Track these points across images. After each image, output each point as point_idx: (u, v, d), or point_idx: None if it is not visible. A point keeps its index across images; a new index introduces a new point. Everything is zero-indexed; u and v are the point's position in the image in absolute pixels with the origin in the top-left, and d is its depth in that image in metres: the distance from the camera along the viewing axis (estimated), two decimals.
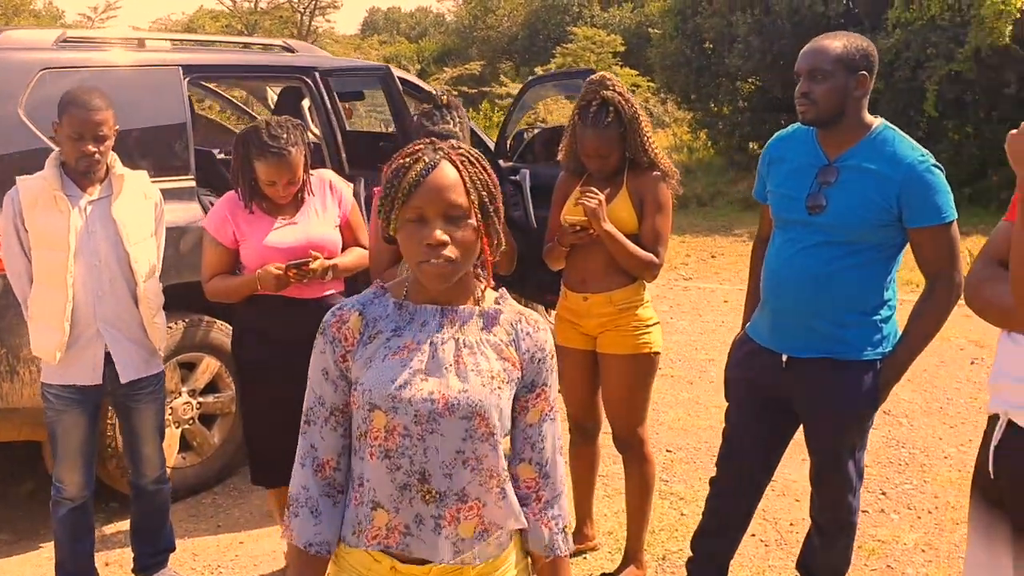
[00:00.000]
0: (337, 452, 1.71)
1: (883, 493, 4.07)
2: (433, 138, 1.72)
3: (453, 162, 1.63)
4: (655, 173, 3.13)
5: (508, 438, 1.71)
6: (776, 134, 2.83)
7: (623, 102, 3.07)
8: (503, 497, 1.67)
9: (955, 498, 3.98)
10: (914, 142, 2.56)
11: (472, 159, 1.65)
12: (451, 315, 1.67)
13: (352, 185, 3.51)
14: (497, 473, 1.66)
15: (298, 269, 3.00)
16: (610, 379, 3.21)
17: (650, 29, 18.45)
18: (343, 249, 3.25)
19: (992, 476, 2.09)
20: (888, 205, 2.50)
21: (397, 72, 4.90)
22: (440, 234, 1.57)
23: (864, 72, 2.52)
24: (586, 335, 3.23)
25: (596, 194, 3.04)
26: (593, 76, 3.18)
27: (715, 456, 4.43)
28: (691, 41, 15.34)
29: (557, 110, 15.25)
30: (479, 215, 1.62)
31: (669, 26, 15.76)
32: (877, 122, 2.59)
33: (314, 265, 3.01)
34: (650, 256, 3.08)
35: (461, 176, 1.62)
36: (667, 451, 4.54)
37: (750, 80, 15.10)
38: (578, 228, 3.07)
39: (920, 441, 4.62)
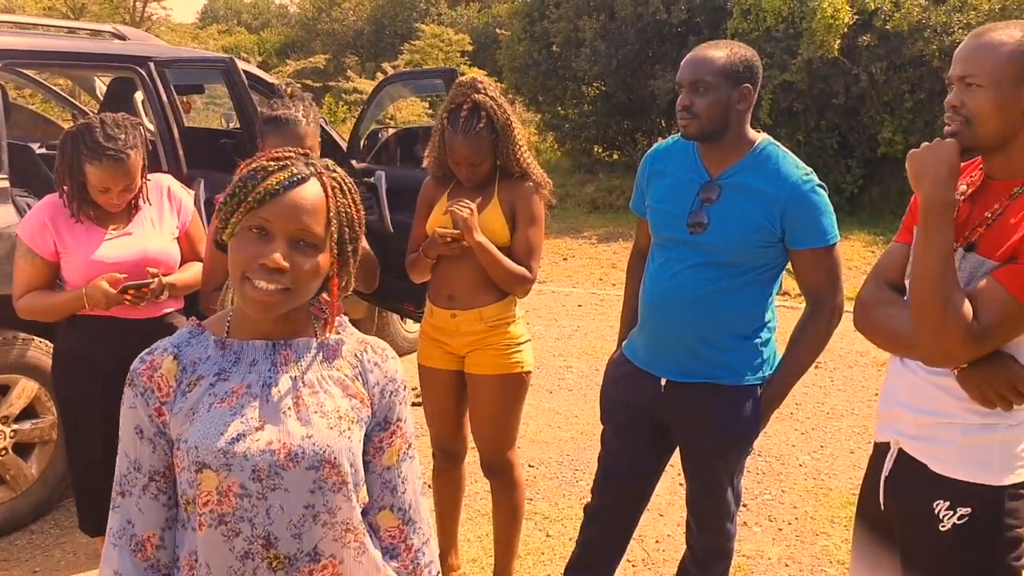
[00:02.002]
0: (160, 526, 1.44)
1: (744, 505, 4.07)
2: (278, 132, 1.49)
3: (323, 184, 1.41)
4: (528, 183, 2.96)
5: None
6: (655, 145, 2.71)
7: (495, 107, 2.88)
8: (363, 552, 1.47)
9: (812, 508, 4.03)
10: (797, 159, 2.49)
11: (345, 188, 1.44)
12: (284, 351, 1.45)
13: (192, 191, 3.16)
14: (353, 526, 1.45)
15: (136, 290, 2.65)
16: (479, 401, 3.02)
17: (498, 30, 18.41)
18: (182, 263, 2.91)
19: (882, 507, 2.04)
20: (771, 225, 2.41)
21: (241, 64, 4.54)
22: (279, 258, 1.35)
23: (748, 84, 2.42)
24: (453, 354, 3.02)
25: (467, 203, 2.84)
26: (463, 78, 2.97)
27: (579, 469, 4.38)
28: (539, 44, 15.38)
29: (406, 108, 14.96)
30: (334, 251, 1.41)
31: (517, 28, 15.75)
32: (760, 137, 2.50)
33: (153, 285, 2.68)
34: (523, 270, 2.91)
35: (327, 202, 1.40)
36: (529, 466, 4.39)
37: (596, 84, 15.29)
38: (448, 239, 2.86)
39: (775, 449, 4.68)
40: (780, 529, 3.86)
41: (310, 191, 1.39)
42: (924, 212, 1.81)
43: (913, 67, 11.96)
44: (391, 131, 5.52)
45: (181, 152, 4.32)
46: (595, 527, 2.78)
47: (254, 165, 1.42)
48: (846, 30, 11.74)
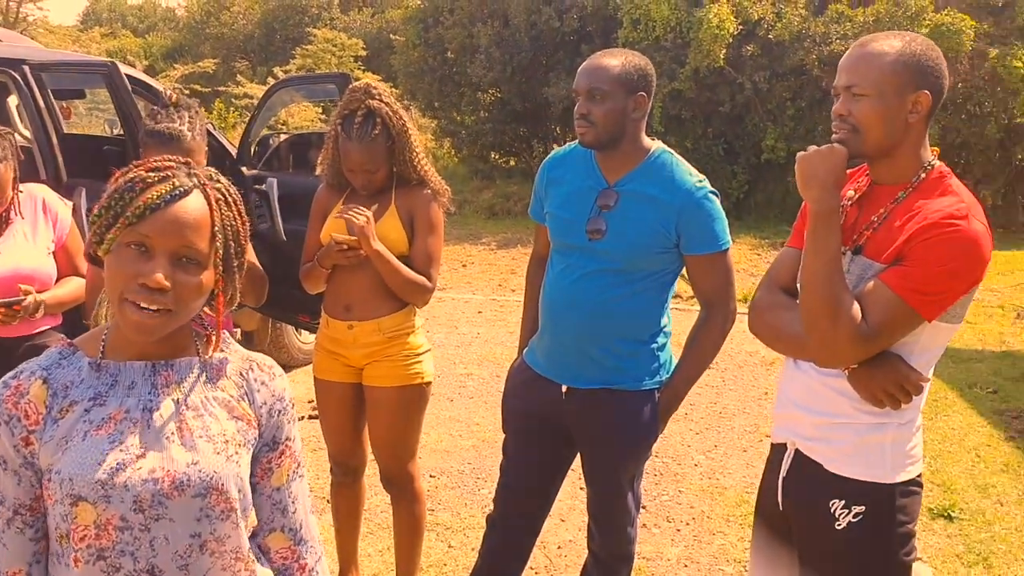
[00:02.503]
0: (27, 561, 1.34)
1: (643, 507, 4.12)
2: (163, 147, 1.42)
3: (207, 197, 1.34)
4: (426, 191, 2.92)
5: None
6: (553, 152, 2.73)
7: (391, 113, 2.83)
8: None
9: (708, 507, 4.12)
10: (691, 167, 2.54)
11: (230, 199, 1.37)
12: (165, 372, 1.38)
13: (72, 201, 3.01)
14: (243, 555, 1.39)
15: (7, 308, 2.51)
16: (378, 414, 2.96)
17: (392, 36, 18.27)
18: (59, 278, 2.77)
19: (780, 507, 2.08)
20: (666, 231, 2.45)
21: (125, 69, 4.36)
22: (162, 277, 1.28)
23: (642, 93, 2.46)
24: (350, 367, 2.96)
25: (362, 211, 2.79)
26: (357, 84, 2.91)
27: (480, 478, 4.36)
28: (434, 50, 15.34)
29: (298, 113, 14.69)
30: (220, 267, 1.35)
31: (411, 34, 15.67)
32: (655, 145, 2.54)
33: (26, 302, 2.53)
34: (422, 279, 2.87)
35: (211, 216, 1.33)
36: (430, 476, 4.35)
37: (491, 91, 15.34)
38: (345, 247, 2.80)
39: (671, 450, 4.76)
40: (678, 530, 3.92)
41: (193, 205, 1.32)
42: (812, 216, 1.86)
43: (794, 76, 12.42)
44: (282, 137, 5.40)
45: (60, 160, 4.12)
46: (498, 536, 2.77)
47: (131, 175, 1.33)
48: (731, 40, 12.11)
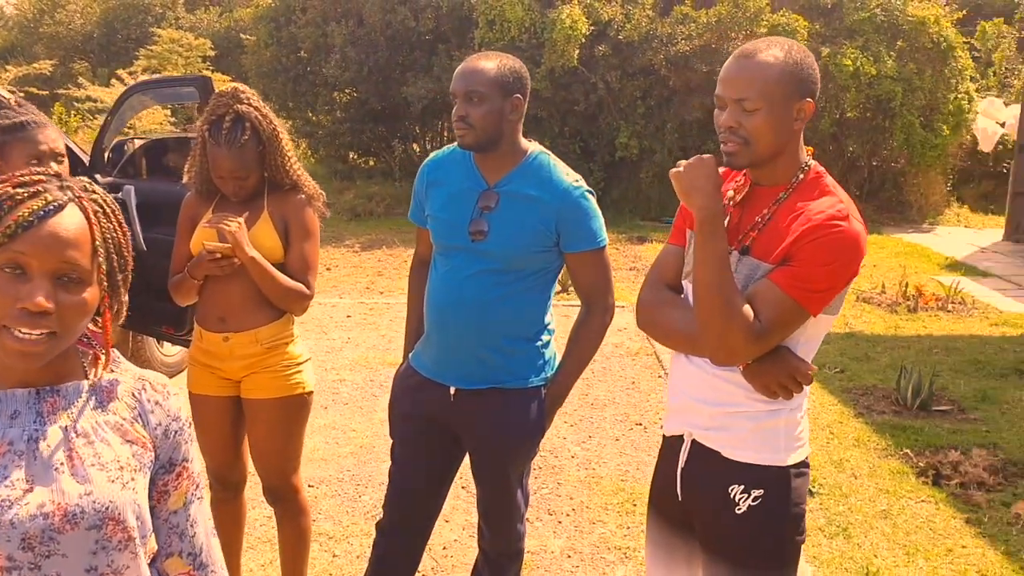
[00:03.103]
0: None
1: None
2: (57, 173, 1.33)
3: (84, 210, 1.27)
4: (299, 196, 2.88)
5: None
6: (432, 155, 2.74)
7: (260, 118, 2.77)
8: None
9: (587, 497, 4.22)
10: (567, 167, 2.60)
11: (108, 210, 1.31)
12: (51, 398, 1.30)
13: None
14: None
15: None
16: (259, 427, 2.89)
17: (242, 35, 17.75)
18: None
19: (680, 498, 2.13)
20: (547, 230, 2.51)
21: None
22: (43, 299, 1.21)
23: (518, 95, 2.50)
24: (227, 380, 2.88)
25: (234, 218, 2.71)
26: (224, 88, 2.83)
27: (361, 485, 4.32)
28: (286, 49, 15.02)
29: (147, 116, 14.07)
30: (103, 283, 1.29)
31: (263, 33, 15.28)
32: (533, 147, 2.59)
33: None
34: (300, 286, 2.83)
35: (91, 230, 1.27)
36: (309, 486, 4.27)
37: (348, 90, 15.16)
38: (218, 256, 2.71)
39: (548, 443, 4.84)
40: (560, 522, 4.00)
41: (70, 219, 1.25)
42: (699, 223, 1.92)
43: (643, 75, 12.84)
44: (137, 143, 5.17)
45: None
46: (388, 541, 2.75)
47: None
48: (584, 40, 12.39)
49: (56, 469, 1.26)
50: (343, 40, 13.89)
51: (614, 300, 2.65)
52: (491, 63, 2.47)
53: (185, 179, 2.92)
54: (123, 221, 1.35)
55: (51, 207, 1.23)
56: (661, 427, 2.29)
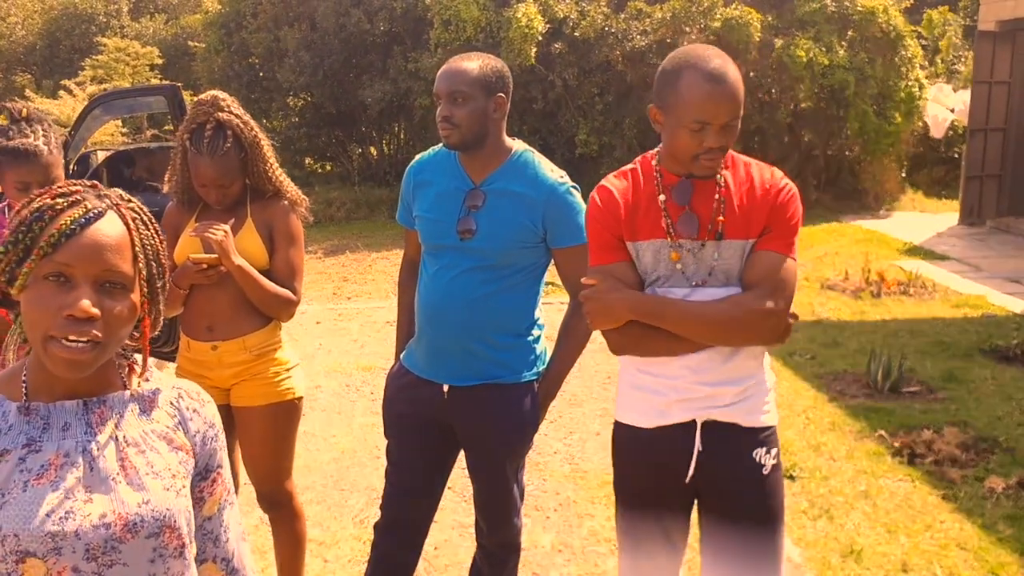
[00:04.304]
0: None
1: None
2: (21, 164, 1.33)
3: (123, 216, 1.27)
4: (283, 202, 2.87)
5: None
6: (417, 157, 2.74)
7: (241, 125, 2.76)
8: None
9: (573, 492, 4.25)
10: (552, 164, 2.63)
11: (145, 218, 1.31)
12: (99, 409, 1.31)
13: None
14: None
15: None
16: (251, 434, 2.87)
17: (190, 42, 17.55)
18: None
19: (687, 481, 2.16)
20: (534, 226, 2.53)
21: None
22: (88, 304, 1.21)
23: (501, 93, 2.53)
24: (217, 388, 2.85)
25: (220, 226, 2.69)
26: (203, 96, 2.81)
27: (345, 490, 4.30)
28: (238, 55, 14.88)
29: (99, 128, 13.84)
30: (144, 289, 1.29)
31: (213, 39, 15.13)
32: (517, 145, 2.61)
33: None
34: (287, 292, 2.81)
35: (131, 236, 1.27)
36: None
37: (302, 95, 15.06)
38: (204, 266, 2.69)
39: None
40: (548, 517, 4.03)
41: (110, 226, 1.25)
42: (641, 315, 2.08)
43: (600, 72, 12.92)
44: (101, 155, 5.10)
45: None
46: (388, 541, 2.75)
47: (36, 204, 1.25)
48: (540, 38, 12.43)
49: (112, 479, 1.27)
50: (296, 44, 13.79)
51: None
52: (474, 63, 2.49)
53: (165, 189, 2.89)
54: (159, 231, 1.35)
55: (91, 214, 1.24)
56: (626, 423, 2.25)
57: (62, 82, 16.93)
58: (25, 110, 2.63)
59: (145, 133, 14.78)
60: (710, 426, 2.14)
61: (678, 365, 2.14)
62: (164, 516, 1.28)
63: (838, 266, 9.09)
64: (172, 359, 3.19)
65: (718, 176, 2.10)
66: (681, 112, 2.01)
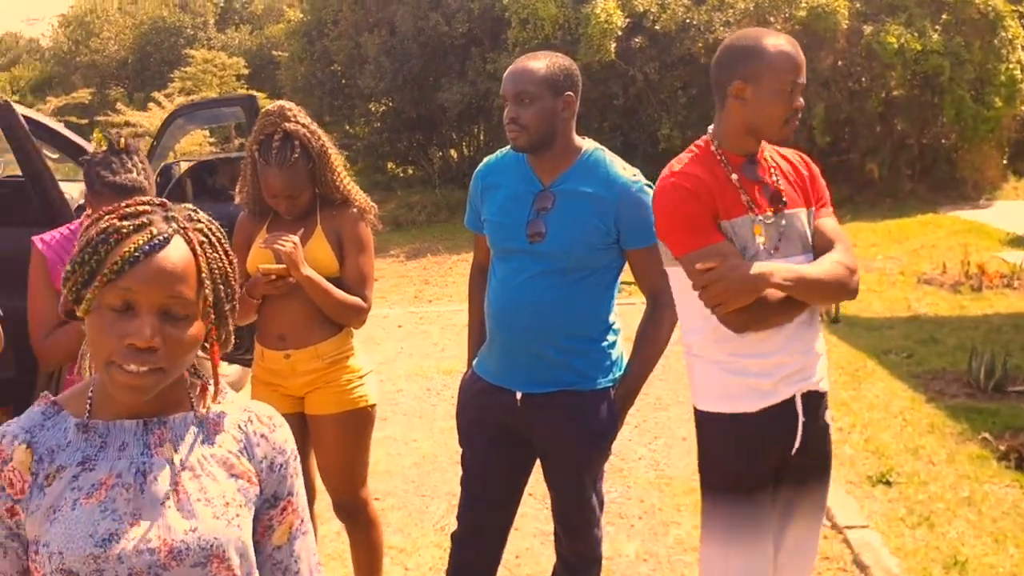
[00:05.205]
0: None
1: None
2: (124, 198, 1.30)
3: (189, 242, 1.23)
4: (352, 210, 2.84)
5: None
6: (485, 160, 2.68)
7: (309, 135, 2.74)
8: None
9: (659, 500, 4.13)
10: (624, 162, 2.53)
11: (214, 239, 1.27)
12: (159, 430, 1.27)
13: None
14: None
15: None
16: (325, 442, 2.86)
17: (274, 52, 17.94)
18: None
19: (793, 453, 2.26)
20: (606, 227, 2.45)
21: (23, 110, 4.09)
22: (150, 335, 1.17)
23: (570, 92, 2.45)
24: (291, 397, 2.84)
25: (288, 237, 2.68)
26: (270, 107, 2.80)
27: (427, 495, 4.27)
28: (320, 63, 15.13)
29: (185, 138, 14.24)
30: (211, 316, 1.25)
31: (296, 48, 15.43)
32: (588, 144, 2.53)
33: None
34: (357, 300, 2.79)
35: (197, 262, 1.23)
36: (375, 499, 4.22)
37: (383, 100, 15.21)
38: (273, 277, 2.68)
39: (613, 446, 4.74)
40: (632, 525, 3.92)
41: (176, 253, 1.21)
42: (777, 285, 2.10)
43: (683, 65, 12.70)
44: (183, 165, 5.20)
45: None
46: (466, 552, 2.70)
47: (103, 225, 1.22)
48: (620, 33, 12.28)
49: (163, 503, 1.24)
50: (376, 50, 13.93)
51: None
52: (540, 63, 2.42)
53: (237, 199, 2.90)
54: (229, 250, 1.31)
55: (156, 241, 1.20)
56: (728, 412, 2.25)
57: (152, 94, 17.48)
58: (123, 140, 2.65)
59: (233, 143, 15.14)
60: (805, 397, 2.25)
61: (776, 341, 2.18)
62: (211, 545, 1.24)
63: (935, 259, 8.71)
64: (246, 363, 3.21)
65: (765, 155, 2.26)
66: (773, 76, 2.12)
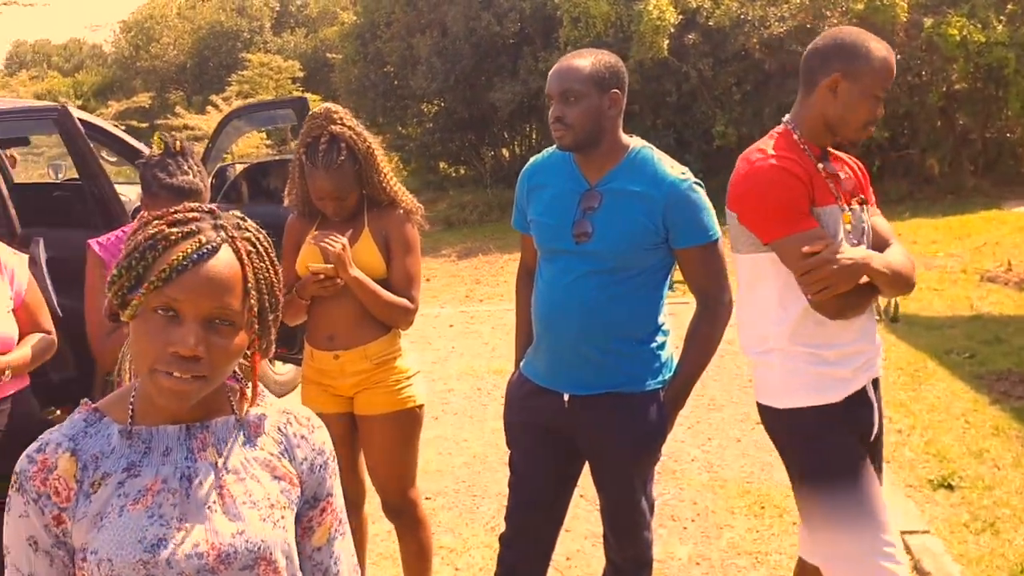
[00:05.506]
0: None
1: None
2: (180, 200, 1.32)
3: (237, 251, 1.23)
4: (399, 211, 2.84)
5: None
6: (531, 160, 2.66)
7: (355, 136, 2.74)
8: None
9: (712, 502, 4.06)
10: (672, 160, 2.48)
11: (260, 249, 1.27)
12: (201, 434, 1.28)
13: (24, 253, 2.85)
14: None
15: None
16: (373, 443, 2.86)
17: (328, 54, 18.12)
18: (21, 336, 2.62)
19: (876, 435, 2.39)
20: (655, 226, 2.40)
21: (78, 113, 4.19)
22: (194, 344, 1.17)
23: (616, 90, 2.40)
24: (340, 397, 2.86)
25: (337, 237, 2.69)
26: (316, 109, 2.81)
27: (477, 495, 4.27)
28: (373, 65, 15.25)
29: (243, 140, 14.46)
30: (256, 324, 1.25)
31: (350, 50, 15.56)
32: (635, 142, 2.48)
33: None
34: (404, 301, 2.79)
35: (244, 272, 1.23)
36: (426, 499, 4.23)
37: (436, 101, 15.27)
38: (322, 277, 2.70)
39: (666, 447, 4.65)
40: (684, 528, 3.86)
41: (223, 262, 1.21)
42: (888, 266, 2.20)
43: (737, 61, 12.52)
44: (239, 167, 5.27)
45: (13, 212, 3.95)
46: (513, 553, 2.68)
47: (152, 231, 1.22)
48: (672, 30, 12.15)
49: (209, 507, 1.24)
50: (428, 51, 13.99)
51: (731, 295, 2.52)
52: (585, 60, 2.39)
53: (286, 202, 2.92)
54: (275, 259, 1.32)
55: (204, 250, 1.20)
56: (815, 405, 2.29)
57: (210, 97, 17.79)
58: (179, 143, 2.69)
59: (289, 145, 15.34)
60: (874, 383, 2.36)
61: (853, 330, 2.25)
62: (259, 548, 1.24)
63: (999, 256, 8.45)
64: (299, 363, 3.24)
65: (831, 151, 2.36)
66: (870, 81, 2.17)
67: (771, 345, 2.31)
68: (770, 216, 2.19)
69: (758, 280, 2.30)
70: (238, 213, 1.32)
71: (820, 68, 2.23)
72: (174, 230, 1.22)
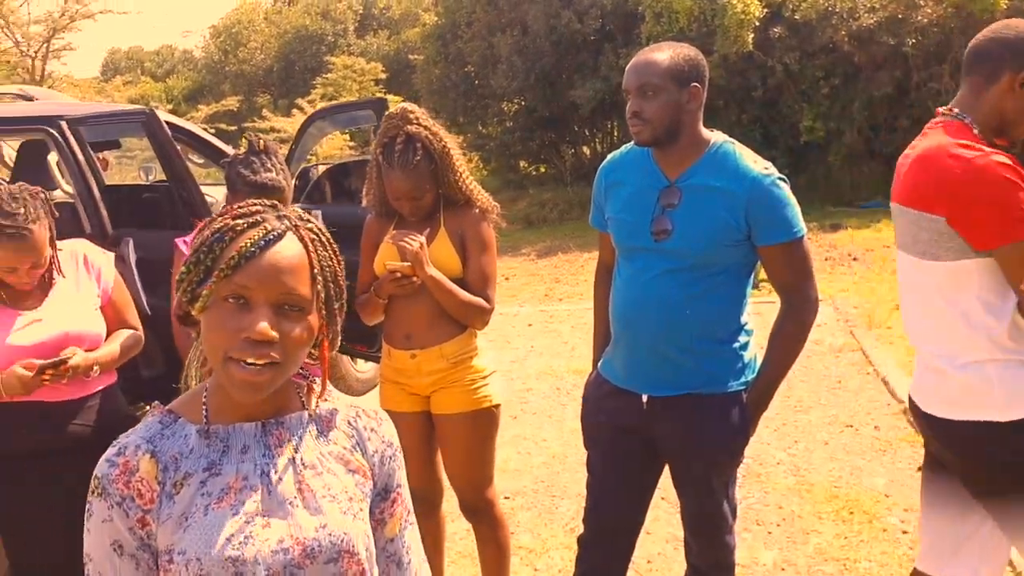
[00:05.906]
0: None
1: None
2: (263, 197, 1.34)
3: (302, 238, 1.24)
4: (474, 210, 2.83)
5: None
6: (609, 156, 2.61)
7: (430, 136, 2.74)
8: None
9: (798, 506, 3.95)
10: (755, 155, 2.41)
11: (324, 239, 1.28)
12: (277, 430, 1.28)
13: (111, 252, 2.93)
14: None
15: (55, 369, 2.43)
16: (449, 441, 2.86)
17: (410, 56, 18.32)
18: (108, 333, 2.69)
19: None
20: (736, 223, 2.32)
21: (165, 116, 4.32)
22: (267, 327, 1.18)
23: (696, 83, 2.33)
24: (417, 396, 2.86)
25: (416, 237, 2.69)
26: (393, 110, 2.82)
27: (556, 496, 4.24)
28: (454, 65, 15.34)
29: (327, 142, 14.73)
30: (322, 311, 1.25)
31: (431, 51, 15.68)
32: (716, 136, 2.41)
33: (74, 361, 2.45)
34: (480, 301, 2.78)
35: (309, 258, 1.24)
36: (505, 498, 4.22)
37: (516, 100, 15.27)
38: (399, 276, 2.71)
39: (750, 449, 4.50)
40: (769, 532, 3.76)
41: (289, 248, 1.23)
42: None
43: (825, 54, 12.18)
44: (321, 168, 5.35)
45: (104, 213, 4.08)
46: (592, 556, 2.64)
47: (217, 225, 1.24)
48: (757, 23, 11.90)
49: (290, 503, 1.25)
50: (509, 50, 13.99)
51: (817, 294, 2.43)
52: (664, 54, 2.33)
53: (364, 202, 2.94)
54: (337, 250, 1.33)
55: (271, 236, 1.22)
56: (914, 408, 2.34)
57: (296, 100, 18.17)
58: (263, 142, 2.74)
59: (371, 146, 15.58)
60: None
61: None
62: (342, 541, 1.25)
63: None
64: (364, 357, 3.26)
65: None
66: None
67: (983, 356, 2.11)
68: (1005, 219, 2.00)
69: (959, 289, 2.12)
70: (300, 209, 1.33)
71: (1009, 62, 2.08)
72: (239, 221, 1.23)
